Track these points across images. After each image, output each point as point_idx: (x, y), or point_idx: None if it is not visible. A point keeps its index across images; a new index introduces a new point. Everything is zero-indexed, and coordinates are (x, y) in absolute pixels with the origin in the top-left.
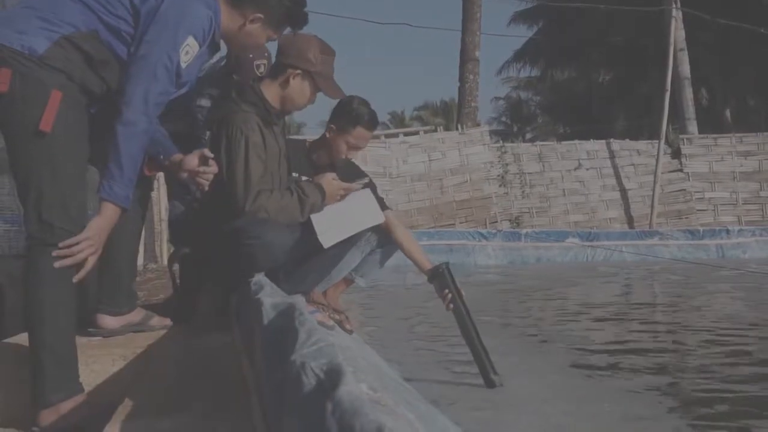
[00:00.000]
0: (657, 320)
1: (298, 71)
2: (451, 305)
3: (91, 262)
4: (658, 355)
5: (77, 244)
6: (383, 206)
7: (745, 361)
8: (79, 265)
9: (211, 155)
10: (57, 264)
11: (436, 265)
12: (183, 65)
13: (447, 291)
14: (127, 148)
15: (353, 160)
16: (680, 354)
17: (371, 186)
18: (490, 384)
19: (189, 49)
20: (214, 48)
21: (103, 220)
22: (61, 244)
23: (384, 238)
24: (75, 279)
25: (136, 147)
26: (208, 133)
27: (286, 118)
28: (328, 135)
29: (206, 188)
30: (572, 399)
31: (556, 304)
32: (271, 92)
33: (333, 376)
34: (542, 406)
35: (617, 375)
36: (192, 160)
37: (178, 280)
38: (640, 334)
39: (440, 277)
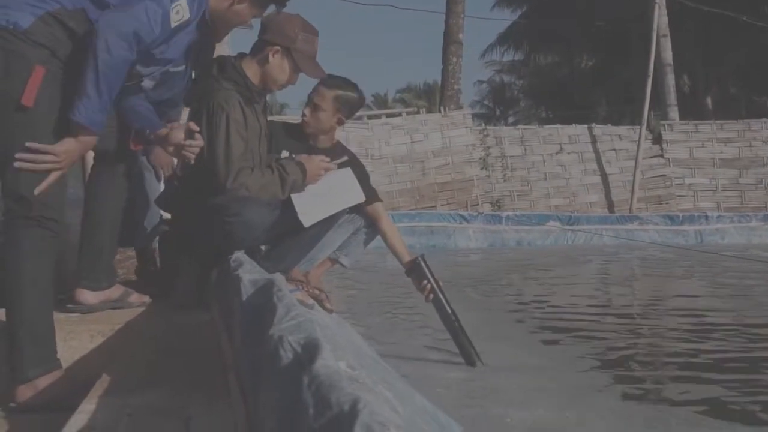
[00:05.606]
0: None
1: (278, 48)
2: (431, 296)
3: (53, 177)
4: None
5: (45, 154)
6: (375, 198)
7: (703, 328)
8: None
9: (197, 128)
10: (16, 165)
11: (413, 257)
12: (173, 24)
13: (426, 282)
14: (107, 74)
15: (338, 140)
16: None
17: (363, 173)
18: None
19: (180, 9)
20: (203, 27)
21: (76, 142)
22: (28, 144)
23: (368, 220)
24: (36, 191)
25: (116, 75)
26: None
27: (269, 97)
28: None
29: (192, 161)
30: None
31: (534, 283)
32: (251, 69)
33: (310, 350)
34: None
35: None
36: (178, 134)
37: (157, 258)
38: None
39: (417, 269)
